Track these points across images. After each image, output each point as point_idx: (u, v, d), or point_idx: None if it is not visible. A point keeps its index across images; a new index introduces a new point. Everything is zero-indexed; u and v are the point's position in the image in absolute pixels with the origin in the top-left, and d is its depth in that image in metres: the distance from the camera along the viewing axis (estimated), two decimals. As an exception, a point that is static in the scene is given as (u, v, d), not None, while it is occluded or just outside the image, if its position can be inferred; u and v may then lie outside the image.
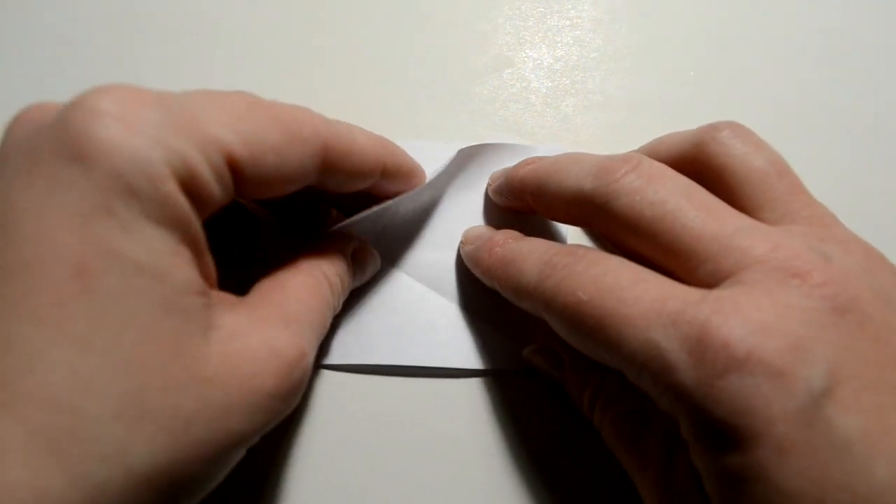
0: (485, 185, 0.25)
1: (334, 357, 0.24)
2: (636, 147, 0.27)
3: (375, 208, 0.23)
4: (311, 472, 0.24)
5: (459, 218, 0.25)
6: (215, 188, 0.16)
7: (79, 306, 0.14)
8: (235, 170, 0.16)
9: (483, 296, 0.24)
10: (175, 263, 0.15)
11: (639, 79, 0.28)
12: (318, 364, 0.24)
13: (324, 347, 0.24)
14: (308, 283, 0.20)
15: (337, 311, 0.22)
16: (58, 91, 0.28)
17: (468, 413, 0.24)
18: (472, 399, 0.24)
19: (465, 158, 0.25)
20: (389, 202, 0.23)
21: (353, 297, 0.25)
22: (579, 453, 0.23)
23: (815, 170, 0.27)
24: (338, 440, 0.24)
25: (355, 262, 0.23)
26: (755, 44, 0.28)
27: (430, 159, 0.24)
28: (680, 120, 0.27)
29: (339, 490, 0.24)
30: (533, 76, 0.28)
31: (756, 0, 0.29)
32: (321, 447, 0.24)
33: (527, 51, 0.28)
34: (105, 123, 0.14)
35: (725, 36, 0.28)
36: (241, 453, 0.17)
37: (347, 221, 0.23)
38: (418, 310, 0.24)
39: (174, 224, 0.15)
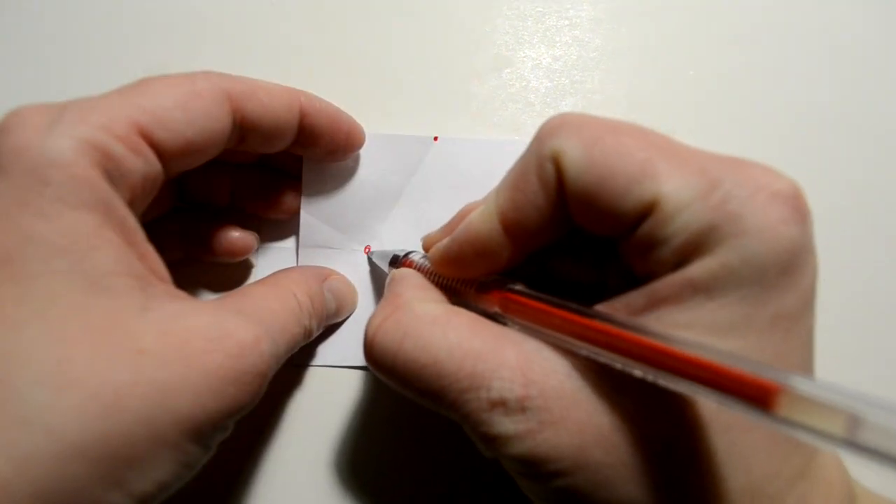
0: (486, 185, 0.25)
1: (334, 359, 0.24)
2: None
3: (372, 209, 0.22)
4: (310, 472, 0.24)
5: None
6: (133, 159, 0.17)
7: (6, 291, 0.15)
8: (147, 136, 0.17)
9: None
10: (96, 245, 0.16)
11: (638, 79, 0.28)
12: (325, 365, 0.24)
13: (323, 349, 0.24)
14: (273, 292, 0.20)
15: (312, 335, 0.22)
16: (55, 91, 0.28)
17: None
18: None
19: (462, 155, 0.25)
20: (386, 201, 0.23)
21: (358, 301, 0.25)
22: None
23: (816, 169, 0.27)
24: (337, 440, 0.24)
25: (332, 292, 0.23)
26: (755, 44, 0.28)
27: (405, 152, 0.25)
28: (679, 120, 0.27)
29: (339, 491, 0.24)
30: (532, 76, 0.28)
31: (756, 0, 0.29)
32: (321, 448, 0.24)
33: (525, 50, 0.28)
34: (13, 135, 0.16)
35: (725, 36, 0.28)
36: (201, 445, 0.16)
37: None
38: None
39: (93, 206, 0.16)
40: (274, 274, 0.22)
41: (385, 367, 0.17)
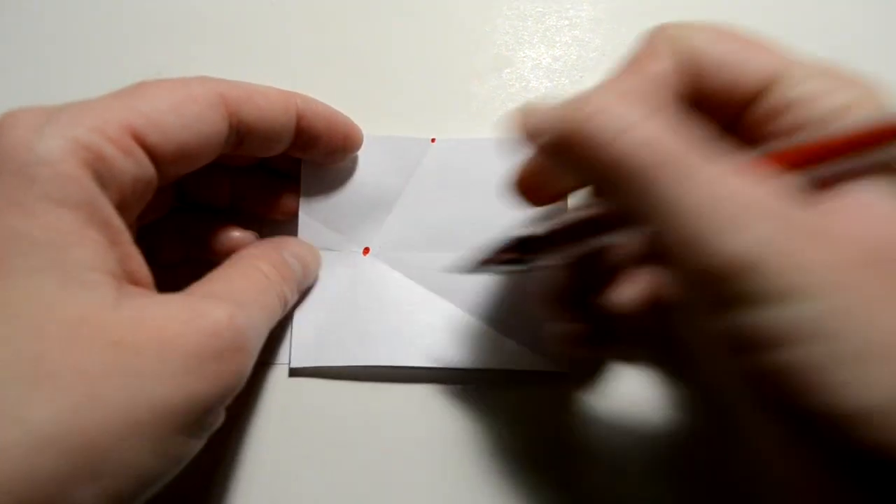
0: (485, 185, 0.25)
1: (335, 359, 0.24)
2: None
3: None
4: (306, 475, 0.24)
5: (460, 219, 0.25)
6: (124, 161, 0.17)
7: None
8: (140, 139, 0.17)
9: (482, 297, 0.24)
10: (76, 241, 0.16)
11: (638, 78, 0.28)
12: (319, 368, 0.24)
13: (324, 349, 0.24)
14: (237, 271, 0.20)
15: (289, 302, 0.22)
16: (55, 91, 0.28)
17: (464, 417, 0.24)
18: (467, 403, 0.24)
19: (460, 156, 0.25)
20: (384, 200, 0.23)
21: (353, 300, 0.25)
22: (575, 457, 0.23)
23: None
24: (331, 445, 0.24)
25: (295, 257, 0.23)
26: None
27: (403, 154, 0.25)
28: (679, 120, 0.27)
29: (333, 494, 0.24)
30: (532, 76, 0.28)
31: (756, 0, 0.29)
32: (315, 452, 0.24)
33: (525, 50, 0.28)
34: (5, 135, 0.16)
35: (725, 35, 0.28)
36: (185, 434, 0.16)
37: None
38: (417, 311, 0.24)
39: (77, 204, 0.16)
40: (233, 256, 0.22)
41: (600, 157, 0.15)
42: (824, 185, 0.15)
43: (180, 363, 0.16)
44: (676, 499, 0.23)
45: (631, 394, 0.24)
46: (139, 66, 0.28)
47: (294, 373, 0.24)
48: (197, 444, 0.17)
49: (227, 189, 0.24)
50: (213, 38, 0.28)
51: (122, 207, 0.17)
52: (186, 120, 0.18)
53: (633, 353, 0.24)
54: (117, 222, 0.17)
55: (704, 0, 0.29)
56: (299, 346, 0.24)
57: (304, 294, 0.25)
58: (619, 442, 0.23)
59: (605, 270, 0.22)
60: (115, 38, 0.28)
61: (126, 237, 0.17)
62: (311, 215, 0.25)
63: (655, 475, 0.23)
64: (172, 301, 0.17)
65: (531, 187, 0.21)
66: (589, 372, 0.24)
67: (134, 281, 0.17)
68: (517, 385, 0.24)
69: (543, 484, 0.23)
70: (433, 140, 0.25)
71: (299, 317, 0.24)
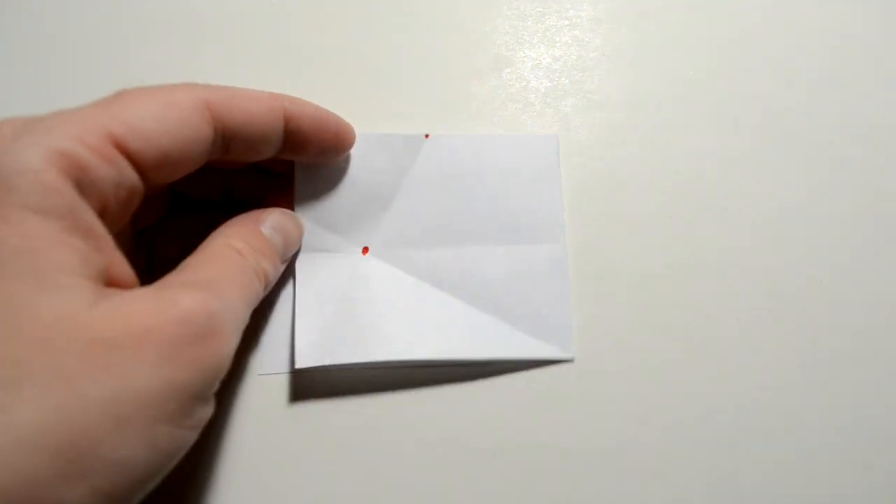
0: (481, 179, 0.25)
1: (338, 358, 0.24)
2: (636, 148, 0.27)
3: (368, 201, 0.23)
4: (309, 476, 0.24)
5: (457, 214, 0.25)
6: (105, 168, 0.17)
7: None
8: (122, 146, 0.17)
9: (484, 288, 0.24)
10: (54, 247, 0.16)
11: (638, 79, 0.28)
12: (325, 367, 0.24)
13: (327, 349, 0.24)
14: (209, 254, 0.20)
15: (271, 277, 0.22)
16: (55, 91, 0.28)
17: (469, 410, 0.24)
18: (473, 394, 0.24)
19: (454, 151, 0.25)
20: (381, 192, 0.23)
21: (354, 300, 0.24)
22: (582, 448, 0.23)
23: (815, 171, 0.27)
24: (333, 446, 0.24)
25: (273, 228, 0.22)
26: (755, 44, 0.28)
27: (397, 151, 0.25)
28: (679, 120, 0.27)
29: (336, 495, 0.24)
30: (532, 76, 0.28)
31: (756, 1, 0.29)
32: (317, 453, 0.24)
33: (525, 50, 0.28)
34: None
35: (725, 36, 0.28)
36: (174, 424, 0.16)
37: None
38: (419, 307, 0.24)
39: (58, 213, 0.16)
40: (209, 236, 0.21)
41: None
42: None
43: (156, 354, 0.16)
44: (684, 492, 0.23)
45: (638, 382, 0.24)
46: (139, 66, 0.28)
47: (297, 374, 0.24)
48: (188, 436, 0.17)
49: (223, 191, 0.24)
50: (213, 39, 0.28)
51: (105, 214, 0.17)
52: (169, 126, 0.18)
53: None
54: (100, 229, 0.17)
55: (705, 1, 0.29)
56: (302, 348, 0.24)
57: (305, 296, 0.24)
58: (627, 431, 0.23)
59: None
60: (114, 39, 0.28)
61: (109, 243, 0.17)
62: (308, 218, 0.25)
63: (663, 467, 0.23)
64: (145, 294, 0.17)
65: None
66: (595, 360, 0.24)
67: (117, 285, 0.17)
68: (523, 374, 0.24)
69: (548, 476, 0.23)
70: (427, 136, 0.25)
71: (301, 319, 0.24)
